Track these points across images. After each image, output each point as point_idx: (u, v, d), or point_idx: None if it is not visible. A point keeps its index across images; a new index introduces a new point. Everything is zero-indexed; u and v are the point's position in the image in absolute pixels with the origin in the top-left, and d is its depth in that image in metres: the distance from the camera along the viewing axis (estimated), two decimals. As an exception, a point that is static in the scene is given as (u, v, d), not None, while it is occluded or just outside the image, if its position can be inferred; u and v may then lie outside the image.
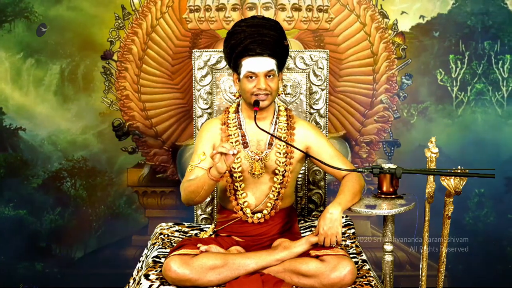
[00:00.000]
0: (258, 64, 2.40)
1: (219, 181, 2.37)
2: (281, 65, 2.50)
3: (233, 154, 2.23)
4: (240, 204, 2.52)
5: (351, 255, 2.48)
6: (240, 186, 2.50)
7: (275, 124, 2.55)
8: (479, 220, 3.59)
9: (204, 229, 2.82)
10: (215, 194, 2.90)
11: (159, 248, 2.57)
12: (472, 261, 3.57)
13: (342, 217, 2.82)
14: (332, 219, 2.33)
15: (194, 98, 2.93)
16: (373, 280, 2.33)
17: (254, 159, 2.50)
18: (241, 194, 2.51)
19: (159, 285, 2.28)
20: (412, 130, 3.59)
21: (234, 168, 2.49)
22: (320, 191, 2.98)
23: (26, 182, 3.60)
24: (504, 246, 3.63)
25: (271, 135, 2.49)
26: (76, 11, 3.50)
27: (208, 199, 2.94)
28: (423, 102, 3.58)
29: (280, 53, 2.46)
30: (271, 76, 2.43)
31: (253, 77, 2.42)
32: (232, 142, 2.50)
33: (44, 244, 3.63)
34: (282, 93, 2.81)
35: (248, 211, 2.52)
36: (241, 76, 2.44)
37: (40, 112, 3.57)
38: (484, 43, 3.53)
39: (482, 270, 3.61)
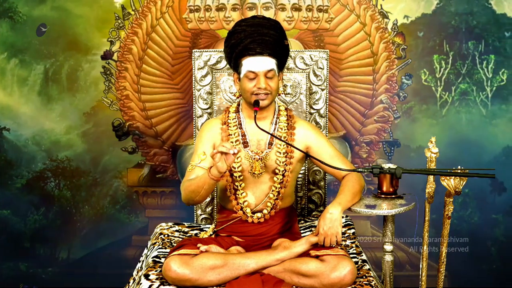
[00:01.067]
0: (258, 64, 2.41)
1: (219, 181, 2.37)
2: (281, 65, 2.50)
3: (234, 154, 2.23)
4: (240, 203, 2.52)
5: (351, 255, 2.48)
6: (240, 186, 2.50)
7: (275, 124, 2.55)
8: (463, 220, 3.59)
9: (204, 229, 2.82)
10: (215, 194, 2.90)
11: (159, 248, 2.57)
12: (452, 261, 3.58)
13: (342, 217, 2.82)
14: (332, 219, 2.33)
15: (194, 98, 2.93)
16: (373, 280, 2.33)
17: (254, 158, 2.50)
18: (241, 194, 2.51)
19: (159, 285, 2.28)
20: (397, 130, 3.60)
21: (234, 168, 2.49)
22: (320, 191, 2.98)
23: (10, 182, 3.60)
24: (488, 246, 3.63)
25: (271, 135, 2.49)
26: (60, 11, 3.51)
27: (208, 199, 2.94)
28: (407, 102, 3.58)
29: (280, 53, 2.46)
30: (271, 76, 2.43)
31: (253, 77, 2.42)
32: (232, 142, 2.50)
33: (28, 244, 3.63)
34: (282, 93, 2.81)
35: (248, 210, 2.52)
36: (241, 75, 2.44)
37: (24, 112, 3.58)
38: (469, 43, 3.54)
39: (471, 270, 3.62)
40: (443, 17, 3.51)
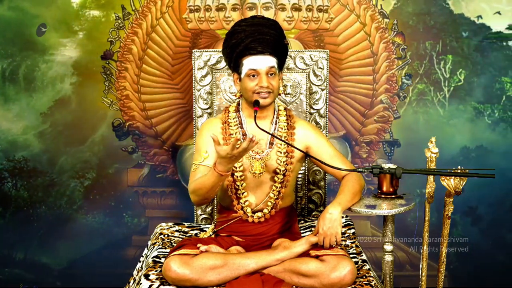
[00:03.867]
0: (260, 62, 2.41)
1: (228, 176, 2.36)
2: (281, 65, 2.50)
3: (252, 140, 2.20)
4: (241, 203, 2.52)
5: (351, 255, 2.48)
6: (241, 185, 2.51)
7: (276, 124, 2.55)
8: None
9: (204, 229, 2.82)
10: (215, 195, 2.90)
11: (159, 248, 2.57)
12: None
13: (342, 217, 2.83)
14: (331, 219, 2.33)
15: (194, 98, 2.93)
16: (373, 280, 2.33)
17: (254, 158, 2.50)
18: (242, 193, 2.51)
19: (159, 285, 2.28)
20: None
21: (236, 168, 2.49)
22: (320, 191, 2.98)
23: None
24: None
25: (272, 135, 2.49)
26: (17, 11, 3.49)
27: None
28: None
29: (281, 52, 2.47)
30: (273, 74, 2.44)
31: (255, 75, 2.42)
32: None
33: None
34: (282, 93, 2.81)
35: (249, 210, 2.52)
36: (242, 75, 2.44)
37: None
38: (426, 43, 3.54)
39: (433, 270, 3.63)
40: (400, 17, 3.51)
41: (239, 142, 2.26)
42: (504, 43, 3.54)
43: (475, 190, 3.44)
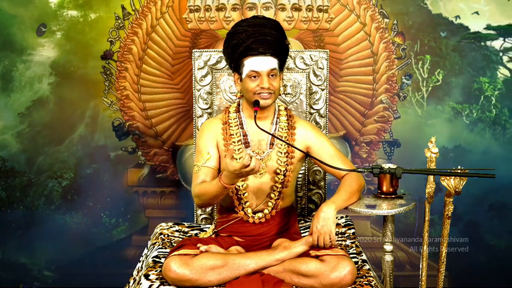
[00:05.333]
0: (261, 63, 2.41)
1: (232, 188, 2.37)
2: (282, 65, 2.50)
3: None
4: (242, 203, 2.52)
5: (351, 255, 2.48)
6: (241, 186, 2.50)
7: (276, 124, 2.55)
8: (400, 221, 3.58)
9: (204, 229, 2.82)
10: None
11: (159, 248, 2.57)
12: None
13: (342, 217, 2.83)
14: (325, 218, 2.32)
15: (194, 98, 2.93)
16: (373, 280, 2.33)
17: (255, 159, 2.50)
18: (243, 194, 2.51)
19: (159, 285, 2.28)
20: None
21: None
22: (320, 191, 2.98)
23: None
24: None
25: (272, 135, 2.49)
26: None
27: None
28: None
29: (282, 53, 2.47)
30: (274, 75, 2.43)
31: (256, 76, 2.42)
32: (234, 142, 2.50)
33: None
34: (282, 93, 2.81)
35: (249, 211, 2.52)
36: (244, 75, 2.44)
37: None
38: (405, 43, 3.54)
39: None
40: (379, 17, 3.51)
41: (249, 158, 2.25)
42: (482, 43, 3.55)
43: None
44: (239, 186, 2.50)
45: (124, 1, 3.50)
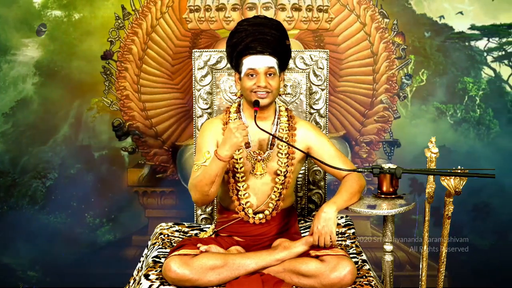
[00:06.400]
0: (259, 62, 2.41)
1: (227, 163, 2.35)
2: (282, 65, 2.50)
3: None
4: (243, 204, 2.52)
5: (351, 255, 2.48)
6: (242, 186, 2.50)
7: (277, 125, 2.55)
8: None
9: (204, 229, 2.82)
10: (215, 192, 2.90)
11: (159, 248, 2.57)
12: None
13: (342, 217, 2.83)
14: (326, 218, 2.32)
15: (194, 98, 2.93)
16: (373, 280, 2.33)
17: (256, 159, 2.50)
18: (243, 195, 2.51)
19: (159, 285, 2.28)
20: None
21: (237, 168, 2.49)
22: (320, 191, 2.98)
23: None
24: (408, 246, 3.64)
25: (272, 135, 2.49)
26: None
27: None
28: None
29: (282, 53, 2.46)
30: (272, 74, 2.43)
31: (254, 75, 2.42)
32: None
33: None
34: (283, 94, 2.81)
35: (250, 211, 2.52)
36: (242, 74, 2.44)
37: None
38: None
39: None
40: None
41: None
42: (467, 43, 3.55)
43: (437, 190, 3.47)
44: (239, 187, 2.50)
45: (107, 2, 3.48)
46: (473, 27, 3.52)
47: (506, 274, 3.62)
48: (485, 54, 3.55)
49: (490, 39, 3.54)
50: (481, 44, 3.54)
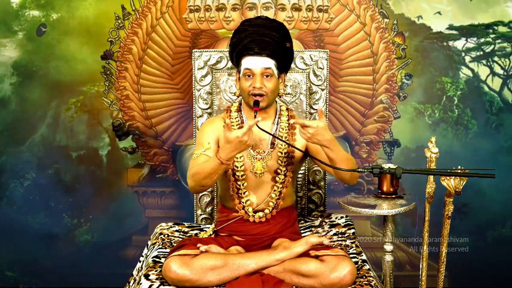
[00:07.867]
0: (256, 62, 2.41)
1: (227, 166, 2.32)
2: (282, 67, 2.49)
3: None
4: (243, 203, 2.52)
5: (351, 255, 2.48)
6: (242, 185, 2.50)
7: (277, 124, 2.55)
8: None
9: (204, 229, 2.82)
10: (215, 194, 2.90)
11: (159, 248, 2.57)
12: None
13: (342, 217, 2.83)
14: (325, 132, 2.26)
15: (194, 98, 2.93)
16: (373, 280, 2.33)
17: (256, 158, 2.50)
18: (243, 193, 2.51)
19: (159, 285, 2.28)
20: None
21: (237, 167, 2.49)
22: (320, 191, 2.98)
23: None
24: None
25: (272, 135, 2.49)
26: None
27: (208, 199, 2.94)
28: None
29: (281, 55, 2.46)
30: (269, 76, 2.43)
31: (251, 75, 2.42)
32: None
33: None
34: (283, 95, 2.81)
35: (250, 210, 2.52)
36: (240, 74, 2.46)
37: None
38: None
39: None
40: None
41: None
42: (445, 43, 3.55)
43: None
44: (239, 185, 2.50)
45: (85, 2, 3.47)
46: (451, 27, 3.52)
47: (488, 274, 3.62)
48: (463, 54, 3.55)
49: (468, 39, 3.53)
50: (459, 44, 3.54)
